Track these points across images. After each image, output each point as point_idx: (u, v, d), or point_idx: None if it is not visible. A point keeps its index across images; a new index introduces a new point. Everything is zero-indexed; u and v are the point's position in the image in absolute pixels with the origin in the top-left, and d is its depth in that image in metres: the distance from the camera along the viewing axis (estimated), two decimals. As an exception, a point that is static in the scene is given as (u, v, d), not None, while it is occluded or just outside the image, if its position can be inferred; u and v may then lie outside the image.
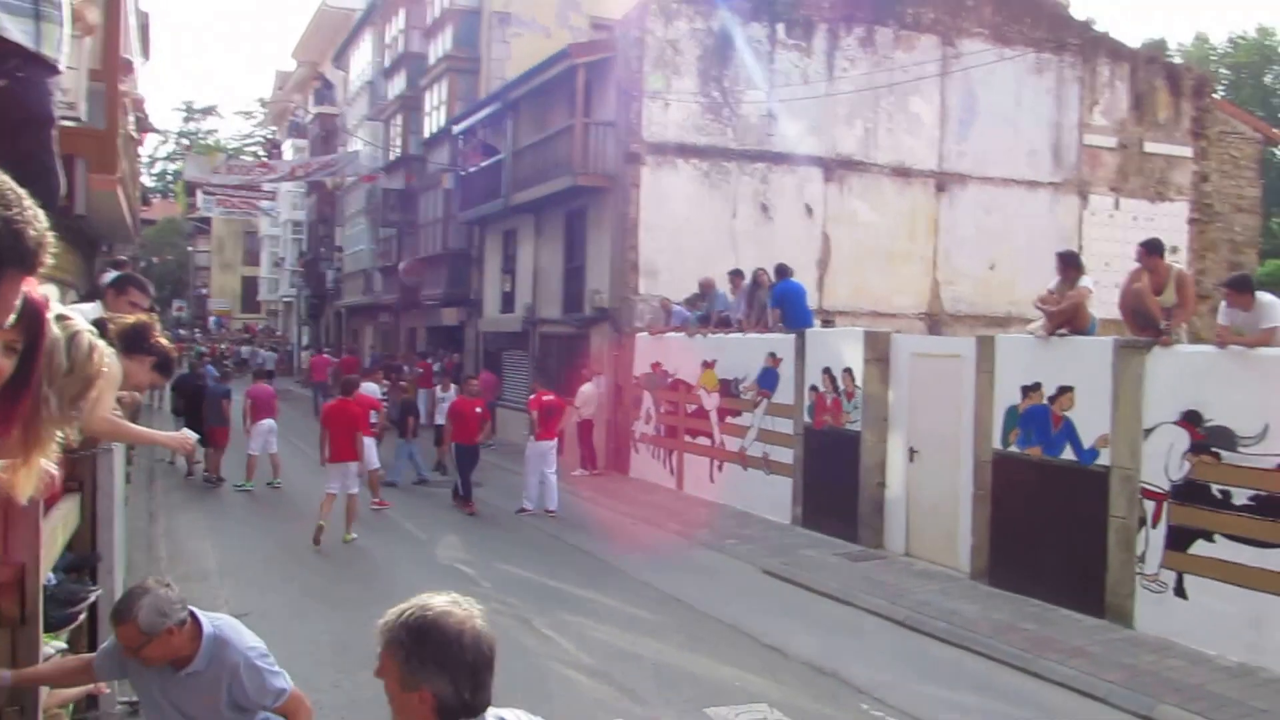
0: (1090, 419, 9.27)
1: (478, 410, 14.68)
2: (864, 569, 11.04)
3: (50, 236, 1.35)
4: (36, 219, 1.31)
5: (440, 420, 17.69)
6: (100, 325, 4.26)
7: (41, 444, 1.69)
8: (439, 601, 2.09)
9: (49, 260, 1.36)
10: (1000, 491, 10.25)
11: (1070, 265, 10.04)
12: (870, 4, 19.10)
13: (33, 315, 1.67)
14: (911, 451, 11.65)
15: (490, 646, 2.07)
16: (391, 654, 2.05)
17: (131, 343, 4.10)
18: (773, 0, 18.61)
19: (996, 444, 10.28)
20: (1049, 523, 9.71)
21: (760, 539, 12.60)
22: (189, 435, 4.82)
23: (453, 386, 18.33)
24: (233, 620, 3.83)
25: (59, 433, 1.72)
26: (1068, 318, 9.72)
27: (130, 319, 4.26)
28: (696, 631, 8.99)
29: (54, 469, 1.75)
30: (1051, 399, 9.68)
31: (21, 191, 1.31)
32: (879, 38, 19.17)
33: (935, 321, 19.37)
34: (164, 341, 4.26)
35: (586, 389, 17.42)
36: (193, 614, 3.61)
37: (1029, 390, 9.93)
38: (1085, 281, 9.85)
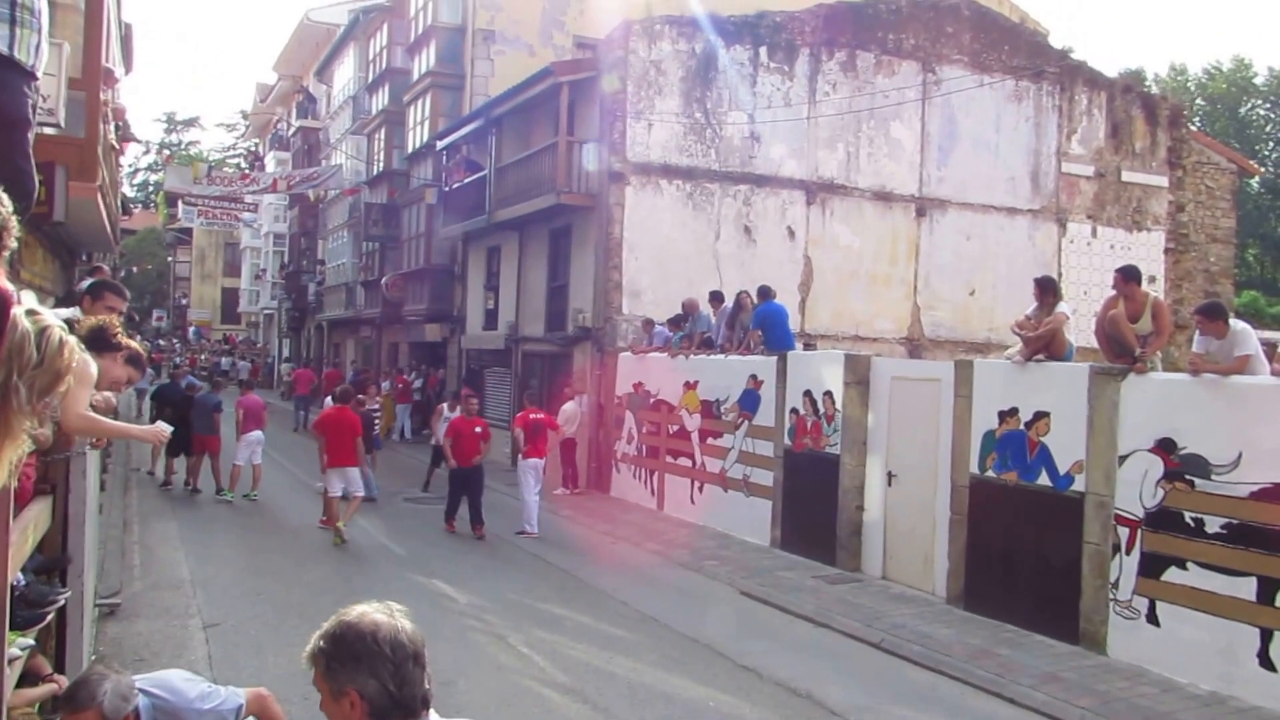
0: (1066, 445, 9.34)
1: (477, 430, 14.24)
2: (841, 592, 11.04)
3: (15, 222, 1.34)
4: (3, 203, 1.31)
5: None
6: (69, 327, 4.24)
7: (11, 435, 1.69)
8: (357, 608, 2.11)
9: (12, 244, 1.35)
10: (977, 516, 10.30)
11: (1048, 291, 10.14)
12: (852, 29, 19.30)
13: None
14: (890, 475, 11.69)
15: (413, 641, 2.07)
16: (315, 665, 2.07)
17: (97, 342, 4.12)
18: (755, 23, 18.78)
19: (974, 468, 10.33)
20: (1024, 548, 9.76)
21: (739, 560, 12.60)
22: (163, 428, 4.82)
23: (459, 407, 17.53)
24: (159, 676, 3.70)
25: (29, 425, 1.72)
26: (1045, 343, 9.81)
27: (93, 320, 4.29)
28: (672, 651, 8.97)
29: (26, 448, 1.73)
30: (1028, 424, 9.75)
31: None
32: (860, 62, 19.37)
33: (916, 346, 19.50)
34: (128, 343, 4.29)
35: (569, 407, 17.41)
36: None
37: (1006, 415, 10.00)
38: (1063, 307, 9.95)
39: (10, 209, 1.32)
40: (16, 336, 1.68)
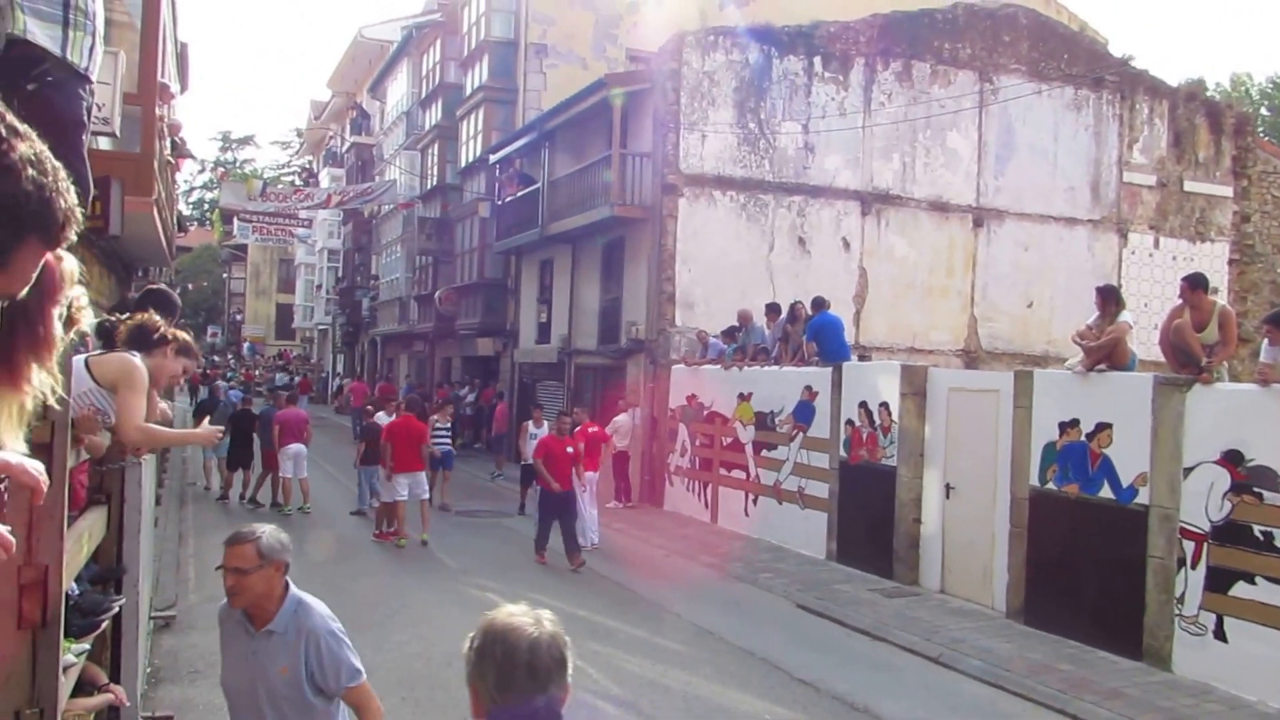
0: (1129, 457, 9.10)
1: (569, 450, 13.22)
2: (898, 605, 10.87)
3: (79, 214, 1.31)
4: (69, 193, 1.29)
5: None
6: (109, 331, 4.25)
7: (17, 380, 1.61)
8: (506, 608, 2.19)
9: (72, 237, 1.32)
10: (1037, 529, 10.07)
11: (1110, 300, 9.91)
12: (907, 39, 19.12)
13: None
14: (948, 487, 11.48)
15: (533, 651, 2.11)
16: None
17: (142, 340, 4.10)
18: (809, 34, 18.68)
19: (1033, 481, 10.11)
20: (1086, 562, 9.52)
21: (794, 573, 12.45)
22: (214, 430, 4.83)
23: (545, 422, 16.88)
24: (322, 602, 3.85)
25: (41, 379, 1.65)
26: (1107, 353, 9.57)
27: (133, 320, 4.25)
28: (728, 665, 8.87)
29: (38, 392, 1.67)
30: (1089, 436, 9.52)
31: (59, 165, 1.28)
32: (916, 72, 19.16)
33: (972, 359, 19.19)
34: (171, 332, 4.24)
35: (621, 420, 17.34)
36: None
37: (1067, 426, 9.77)
38: (1125, 316, 9.71)
39: (76, 203, 1.29)
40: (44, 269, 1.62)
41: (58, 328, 1.66)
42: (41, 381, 1.61)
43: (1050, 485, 9.93)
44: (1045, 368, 13.14)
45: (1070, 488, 9.69)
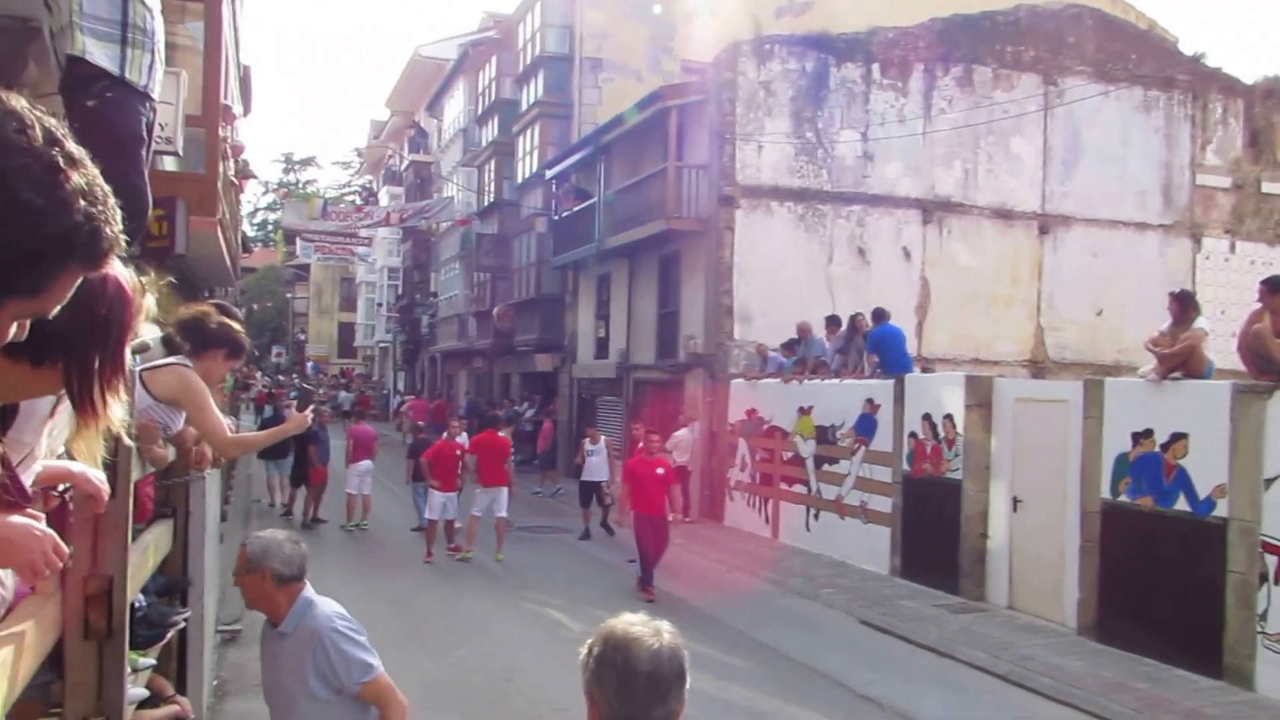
0: (1206, 468, 8.79)
1: (659, 471, 11.99)
2: (965, 621, 10.62)
3: (123, 240, 1.32)
4: (115, 220, 1.29)
5: (593, 476, 16.56)
6: (172, 344, 4.25)
7: (97, 412, 1.68)
8: (626, 617, 2.19)
9: (114, 261, 1.35)
10: (1109, 543, 9.77)
11: (1185, 305, 9.62)
12: (968, 43, 18.83)
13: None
14: (1015, 501, 11.21)
15: (655, 663, 2.09)
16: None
17: (197, 333, 4.08)
18: (867, 41, 18.47)
19: (1105, 493, 9.82)
20: (1162, 577, 9.21)
21: (857, 589, 12.24)
22: (304, 415, 4.84)
23: (602, 438, 17.09)
24: (336, 604, 3.87)
25: (115, 400, 1.72)
26: (1182, 360, 9.27)
27: (188, 311, 4.23)
28: (791, 680, 8.73)
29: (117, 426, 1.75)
30: (1164, 446, 9.22)
31: (108, 190, 1.29)
32: (977, 77, 18.86)
33: (1040, 369, 18.76)
34: (225, 322, 4.21)
35: (681, 435, 17.15)
36: (301, 583, 3.77)
37: (1140, 437, 9.48)
38: (1201, 323, 9.41)
39: (122, 228, 1.31)
40: (110, 292, 1.70)
41: (129, 357, 1.77)
42: (117, 407, 1.69)
43: (1123, 498, 9.63)
44: (1117, 377, 12.78)
45: (1144, 500, 9.39)
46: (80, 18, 2.99)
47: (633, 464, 12.26)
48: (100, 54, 3.04)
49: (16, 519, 1.69)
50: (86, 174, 1.24)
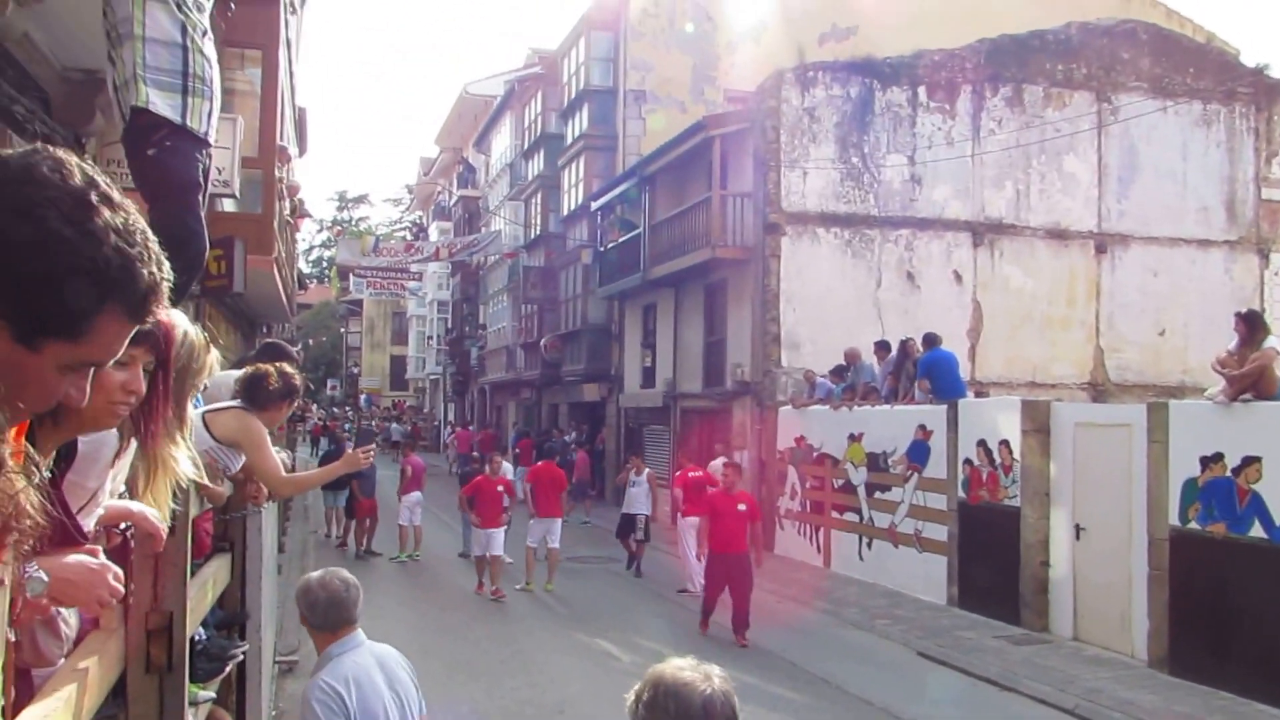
0: (1282, 492, 8.50)
1: (741, 508, 11.21)
2: (1027, 653, 10.34)
3: (167, 286, 1.31)
4: (157, 265, 1.28)
5: (633, 509, 15.66)
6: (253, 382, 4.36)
7: (165, 461, 1.80)
8: (674, 662, 2.20)
9: (159, 313, 1.33)
10: (1179, 572, 9.47)
11: (1253, 326, 9.36)
12: (1016, 62, 18.63)
13: (165, 338, 1.68)
14: (1078, 528, 10.93)
15: (707, 710, 2.08)
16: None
17: (255, 394, 4.21)
18: (913, 64, 18.36)
19: (1173, 520, 9.53)
20: (1237, 606, 8.89)
21: (914, 620, 11.99)
22: (358, 453, 4.85)
23: (646, 470, 16.14)
24: (359, 659, 3.79)
25: (183, 453, 1.85)
26: (1252, 381, 8.99)
27: (248, 371, 4.39)
28: (846, 715, 8.56)
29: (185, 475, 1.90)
30: (1236, 471, 8.93)
31: (150, 236, 1.29)
32: (1027, 96, 18.64)
33: (1100, 391, 18.36)
34: (283, 376, 4.36)
35: (717, 465, 16.74)
36: (330, 633, 3.71)
37: (1209, 462, 9.20)
38: (1271, 342, 9.13)
39: (166, 274, 1.31)
40: (184, 344, 1.81)
41: (191, 410, 1.90)
42: (185, 461, 1.82)
43: (1193, 525, 9.34)
44: (1181, 399, 12.48)
45: (1216, 527, 9.10)
46: (144, 70, 3.12)
47: (715, 499, 11.53)
48: (163, 103, 3.16)
49: (73, 557, 1.72)
50: (123, 215, 1.24)
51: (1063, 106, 18.66)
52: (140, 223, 1.28)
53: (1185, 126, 19.08)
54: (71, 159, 1.23)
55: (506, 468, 16.06)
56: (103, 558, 1.78)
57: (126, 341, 1.32)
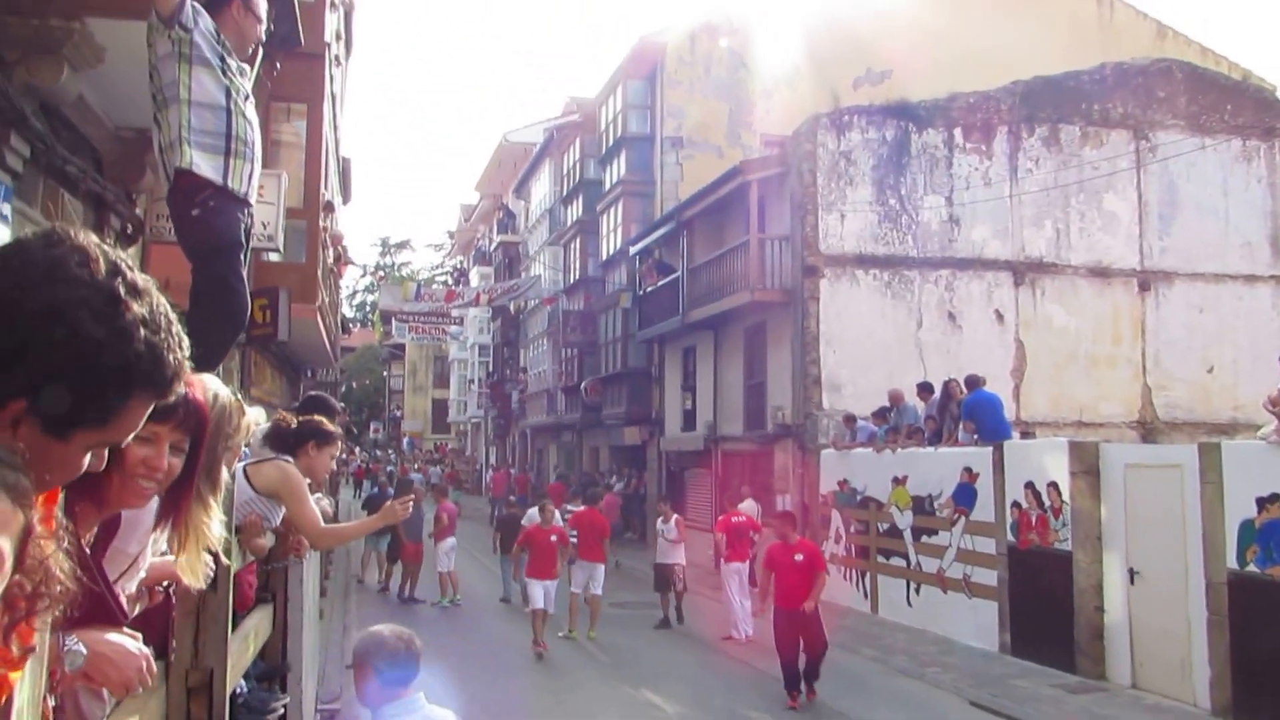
0: (1344, 534, 8.25)
1: (798, 558, 10.31)
2: (1084, 702, 10.07)
3: (187, 365, 1.35)
4: (180, 347, 1.33)
5: (666, 558, 14.85)
6: (278, 435, 4.41)
7: (198, 532, 1.84)
8: None
9: (181, 389, 1.38)
10: (1240, 616, 9.19)
11: (1306, 363, 9.14)
12: (1052, 103, 18.58)
13: (196, 416, 1.72)
14: (1132, 572, 10.66)
15: None
16: None
17: (282, 444, 4.25)
18: (947, 106, 18.37)
19: (1231, 563, 9.27)
20: (1302, 653, 8.61)
21: (965, 667, 11.73)
22: (396, 504, 4.77)
23: (674, 516, 15.23)
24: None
25: (215, 518, 1.87)
26: (1307, 420, 8.78)
27: (283, 422, 4.44)
28: (900, 768, 8.32)
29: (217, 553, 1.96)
30: (1294, 512, 8.69)
31: (174, 317, 1.33)
32: (1064, 136, 18.55)
33: (1149, 430, 18.04)
34: (320, 424, 4.39)
35: (747, 506, 16.19)
36: (403, 690, 3.65)
37: (1265, 502, 8.96)
38: (1326, 380, 8.92)
39: (186, 354, 1.36)
40: (217, 408, 1.85)
41: (225, 474, 1.97)
42: (216, 525, 1.88)
43: (1251, 567, 9.08)
44: (1234, 437, 12.18)
45: (1277, 570, 8.83)
46: (189, 132, 3.21)
47: (775, 551, 10.57)
48: (206, 165, 3.24)
49: (115, 636, 1.74)
50: (149, 303, 1.28)
51: (1100, 145, 18.55)
52: (163, 304, 1.31)
53: (1225, 163, 18.91)
54: (93, 244, 1.25)
55: (558, 515, 15.00)
56: (140, 643, 1.81)
57: (146, 415, 1.34)
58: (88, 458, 1.31)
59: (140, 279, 1.28)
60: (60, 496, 1.40)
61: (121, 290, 1.23)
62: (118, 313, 1.22)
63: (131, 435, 1.35)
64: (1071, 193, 18.39)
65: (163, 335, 1.28)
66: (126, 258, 1.29)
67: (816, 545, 11.88)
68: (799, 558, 10.31)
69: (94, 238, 1.28)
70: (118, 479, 1.64)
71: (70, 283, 1.20)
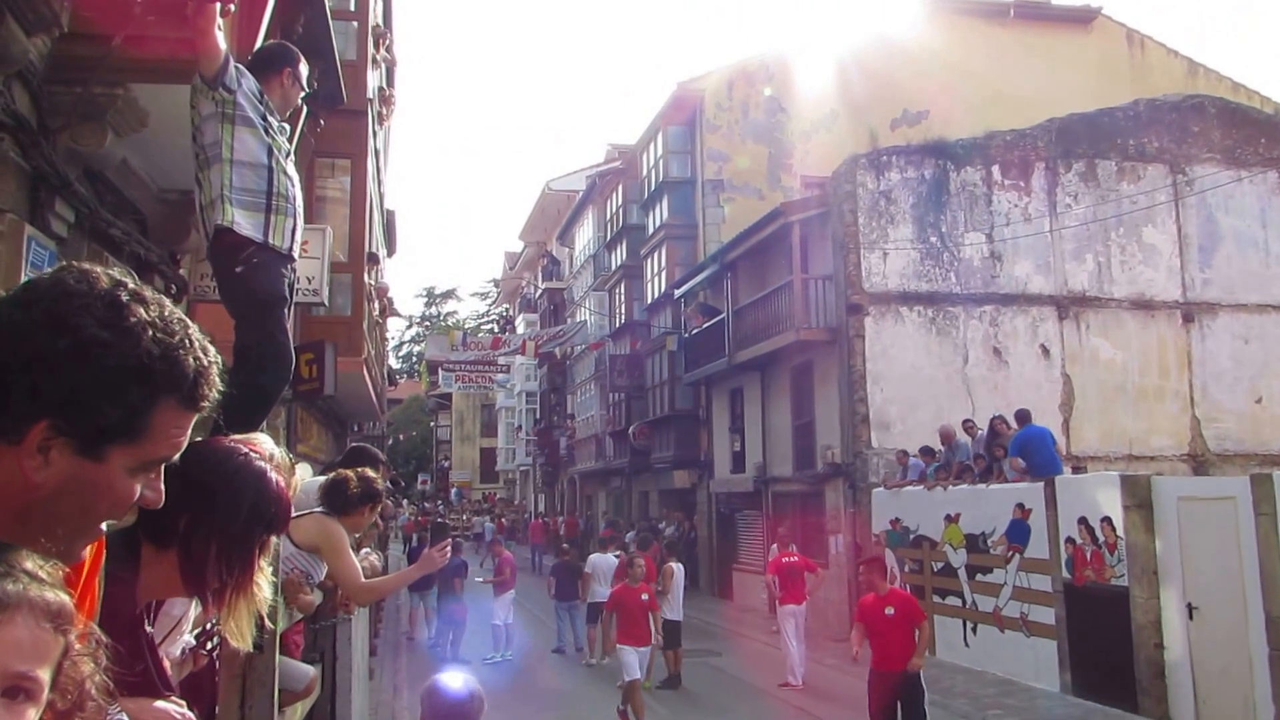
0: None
1: (888, 611, 8.99)
2: (1147, 743, 9.84)
3: (216, 371, 1.33)
4: (201, 351, 1.31)
5: (668, 613, 13.70)
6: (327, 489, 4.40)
7: (247, 593, 1.80)
8: None
9: (213, 396, 1.33)
10: (1302, 652, 8.98)
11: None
12: (1088, 139, 18.61)
13: None
14: (1190, 608, 10.47)
15: None
16: None
17: (335, 500, 4.21)
18: (985, 145, 18.43)
19: (1291, 597, 9.08)
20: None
21: (1027, 710, 11.53)
22: (433, 552, 4.65)
23: (671, 564, 14.69)
24: None
25: (264, 579, 1.85)
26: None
27: (326, 479, 4.40)
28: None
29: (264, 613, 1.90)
30: (1354, 544, 8.50)
31: (190, 324, 1.31)
32: (1101, 171, 18.53)
33: (1200, 462, 17.75)
34: (363, 478, 4.35)
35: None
36: None
37: (1324, 535, 8.78)
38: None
39: (213, 359, 1.32)
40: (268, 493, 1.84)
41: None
42: (265, 586, 1.85)
43: (1311, 602, 8.89)
44: (1287, 469, 11.93)
45: (1336, 604, 8.64)
46: (230, 191, 3.24)
47: (866, 604, 9.29)
48: (247, 222, 3.27)
49: (160, 704, 1.72)
50: (158, 308, 1.27)
51: (1137, 180, 18.51)
52: (177, 313, 1.31)
53: (1262, 194, 18.88)
54: (97, 268, 1.26)
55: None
56: (185, 708, 1.76)
57: (189, 429, 1.33)
58: (138, 488, 1.29)
59: (150, 292, 1.28)
60: (102, 558, 1.44)
61: (124, 297, 1.24)
62: (121, 315, 1.22)
63: (176, 454, 1.33)
64: (1111, 226, 18.31)
65: (177, 338, 1.26)
66: (134, 277, 1.30)
67: (909, 594, 10.45)
68: (889, 611, 8.97)
69: (97, 266, 1.28)
70: None
71: (71, 295, 1.21)
